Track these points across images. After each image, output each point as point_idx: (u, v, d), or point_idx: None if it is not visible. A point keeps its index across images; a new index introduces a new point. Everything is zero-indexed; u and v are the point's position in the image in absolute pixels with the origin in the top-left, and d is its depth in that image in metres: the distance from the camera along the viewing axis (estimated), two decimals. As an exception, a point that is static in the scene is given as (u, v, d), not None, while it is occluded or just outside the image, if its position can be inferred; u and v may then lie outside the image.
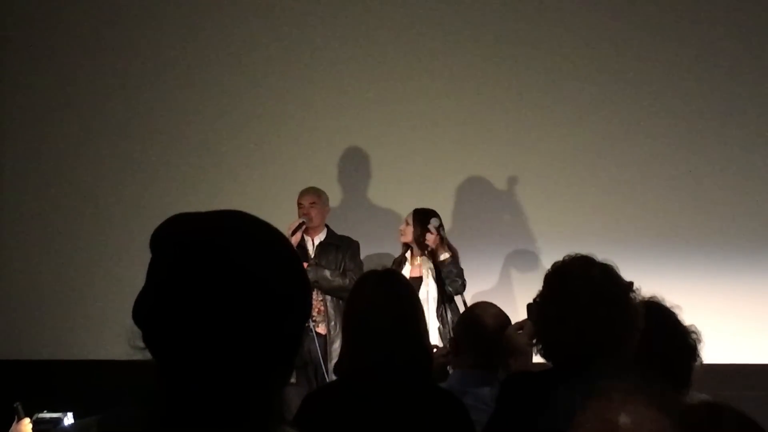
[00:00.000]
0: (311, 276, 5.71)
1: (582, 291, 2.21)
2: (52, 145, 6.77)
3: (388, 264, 5.84)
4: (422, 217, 5.70)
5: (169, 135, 6.73)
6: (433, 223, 5.64)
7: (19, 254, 6.77)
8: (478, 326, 3.17)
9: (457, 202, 6.53)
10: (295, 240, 5.70)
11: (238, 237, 1.24)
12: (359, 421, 2.46)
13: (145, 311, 1.24)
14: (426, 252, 5.67)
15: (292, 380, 4.85)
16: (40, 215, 6.76)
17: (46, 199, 6.77)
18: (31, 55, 6.78)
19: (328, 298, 5.76)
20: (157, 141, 6.73)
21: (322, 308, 5.76)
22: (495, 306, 3.31)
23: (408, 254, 5.78)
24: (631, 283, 2.28)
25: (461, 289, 5.63)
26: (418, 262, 5.73)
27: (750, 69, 6.39)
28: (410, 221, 5.73)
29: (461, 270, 5.64)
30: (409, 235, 5.72)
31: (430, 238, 5.61)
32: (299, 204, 5.89)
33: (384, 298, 2.59)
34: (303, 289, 1.28)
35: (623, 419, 1.13)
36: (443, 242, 5.64)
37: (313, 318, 5.68)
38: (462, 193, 6.55)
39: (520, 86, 6.49)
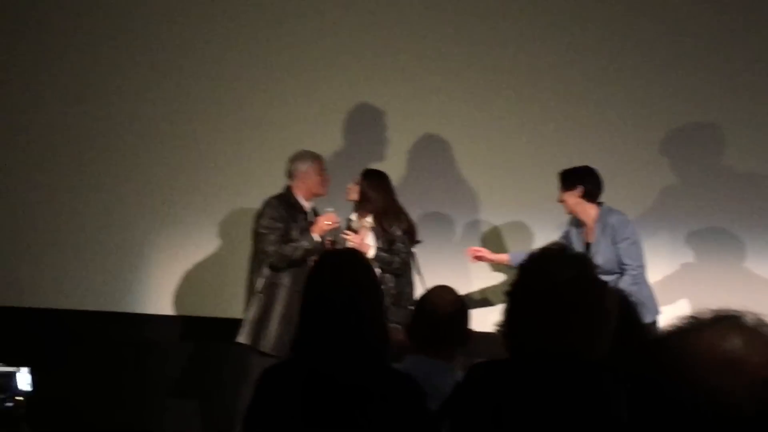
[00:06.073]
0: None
1: (552, 290, 2.12)
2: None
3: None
4: (370, 179, 5.65)
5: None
6: (353, 224, 5.63)
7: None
8: (434, 314, 3.19)
9: (411, 161, 6.29)
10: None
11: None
12: (313, 402, 2.51)
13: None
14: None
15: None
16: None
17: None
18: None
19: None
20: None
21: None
22: (452, 292, 3.30)
23: (355, 215, 5.70)
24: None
25: (396, 270, 5.56)
26: (363, 223, 5.66)
27: None
28: (357, 181, 5.66)
29: (390, 255, 5.53)
30: (354, 194, 5.66)
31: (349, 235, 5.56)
32: (323, 169, 5.65)
33: (342, 279, 2.65)
34: None
35: (733, 342, 1.00)
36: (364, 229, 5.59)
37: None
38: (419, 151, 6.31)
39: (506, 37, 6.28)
